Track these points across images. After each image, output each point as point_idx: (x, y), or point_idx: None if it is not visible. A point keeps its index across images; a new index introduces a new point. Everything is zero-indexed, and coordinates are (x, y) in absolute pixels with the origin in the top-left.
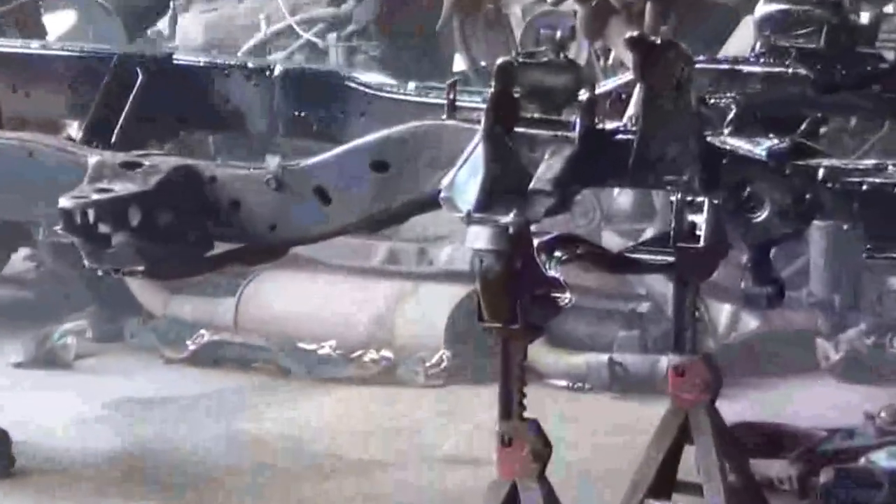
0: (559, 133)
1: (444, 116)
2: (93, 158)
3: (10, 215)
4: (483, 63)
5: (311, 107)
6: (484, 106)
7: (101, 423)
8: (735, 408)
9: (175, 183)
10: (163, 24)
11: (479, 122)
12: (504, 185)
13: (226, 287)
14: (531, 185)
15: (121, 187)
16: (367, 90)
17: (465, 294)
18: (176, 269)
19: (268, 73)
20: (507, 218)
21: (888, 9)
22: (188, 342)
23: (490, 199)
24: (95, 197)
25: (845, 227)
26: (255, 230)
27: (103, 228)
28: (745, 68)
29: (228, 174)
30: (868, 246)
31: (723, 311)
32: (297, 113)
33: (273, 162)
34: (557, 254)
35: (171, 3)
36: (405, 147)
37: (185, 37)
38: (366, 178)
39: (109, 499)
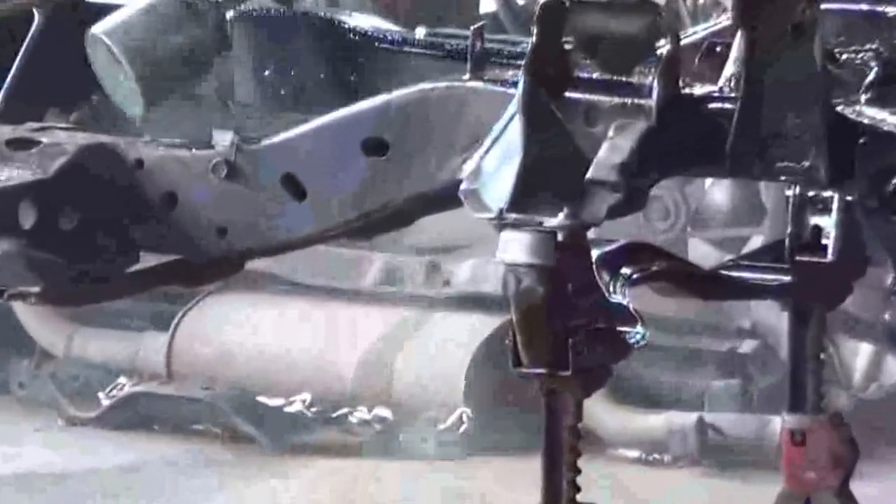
0: (628, 100)
1: (467, 76)
2: None
3: None
4: (521, 1)
5: (278, 62)
6: (522, 62)
7: None
8: (875, 491)
9: (84, 169)
10: None
11: (514, 83)
12: (550, 174)
13: (155, 317)
14: (589, 174)
15: (8, 175)
16: (357, 39)
17: (495, 328)
18: (84, 291)
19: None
20: (555, 220)
21: None
22: (101, 395)
23: (530, 194)
24: None
25: None
26: (197, 235)
27: None
28: (892, 10)
29: (160, 156)
30: None
31: (860, 354)
32: (259, 70)
33: (224, 139)
34: (626, 271)
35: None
36: (411, 119)
37: None
38: (355, 163)
39: None
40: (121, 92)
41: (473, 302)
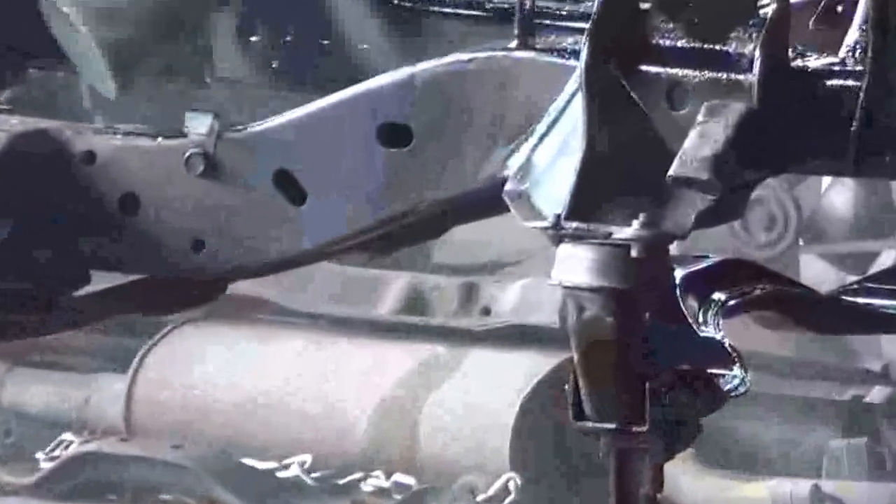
0: (723, 75)
1: (513, 43)
2: None
3: None
4: None
5: (272, 27)
6: (585, 25)
7: None
8: None
9: (19, 163)
10: None
11: (575, 53)
12: (621, 171)
13: (110, 354)
14: (672, 170)
15: None
16: None
17: (550, 370)
18: (19, 321)
19: None
20: (628, 230)
21: None
22: (40, 455)
23: (596, 196)
24: None
25: None
26: (166, 249)
27: None
28: None
29: (118, 148)
30: None
31: None
32: (244, 35)
33: (200, 125)
34: (719, 296)
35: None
36: (441, 99)
37: None
38: (369, 157)
39: None
40: (87, 67)
41: (522, 336)
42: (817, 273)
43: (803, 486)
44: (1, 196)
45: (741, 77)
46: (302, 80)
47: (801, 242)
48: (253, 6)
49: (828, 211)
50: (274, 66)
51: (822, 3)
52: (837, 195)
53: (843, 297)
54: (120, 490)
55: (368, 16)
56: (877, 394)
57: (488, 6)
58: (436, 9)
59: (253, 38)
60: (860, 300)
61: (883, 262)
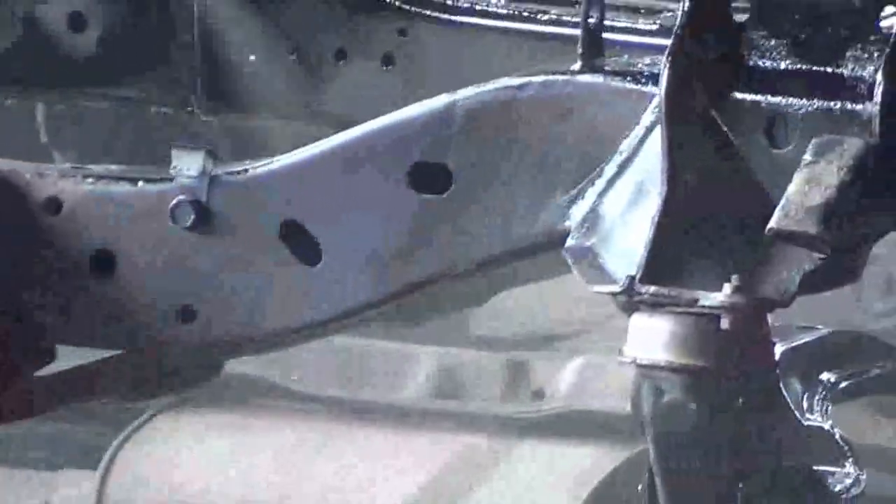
0: (836, 104)
1: (577, 65)
2: None
3: None
4: None
5: (266, 33)
6: (665, 43)
7: None
8: None
9: None
10: None
11: (653, 77)
12: (709, 223)
13: (76, 448)
14: (773, 222)
15: None
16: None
17: (616, 468)
18: None
19: None
20: (717, 295)
21: None
22: None
23: (678, 255)
24: None
25: None
26: (147, 320)
27: None
28: None
29: (88, 194)
30: None
31: None
32: (236, 48)
33: (189, 164)
34: (828, 377)
35: None
36: (487, 133)
37: None
38: (399, 205)
39: None
40: None
41: (582, 425)
42: None
43: None
44: None
45: (858, 107)
46: (313, 107)
47: None
48: (244, 12)
49: None
50: (275, 85)
51: None
52: None
53: None
54: None
55: (393, 25)
56: None
57: (543, 18)
58: (476, 20)
59: (249, 56)
60: None
61: None
